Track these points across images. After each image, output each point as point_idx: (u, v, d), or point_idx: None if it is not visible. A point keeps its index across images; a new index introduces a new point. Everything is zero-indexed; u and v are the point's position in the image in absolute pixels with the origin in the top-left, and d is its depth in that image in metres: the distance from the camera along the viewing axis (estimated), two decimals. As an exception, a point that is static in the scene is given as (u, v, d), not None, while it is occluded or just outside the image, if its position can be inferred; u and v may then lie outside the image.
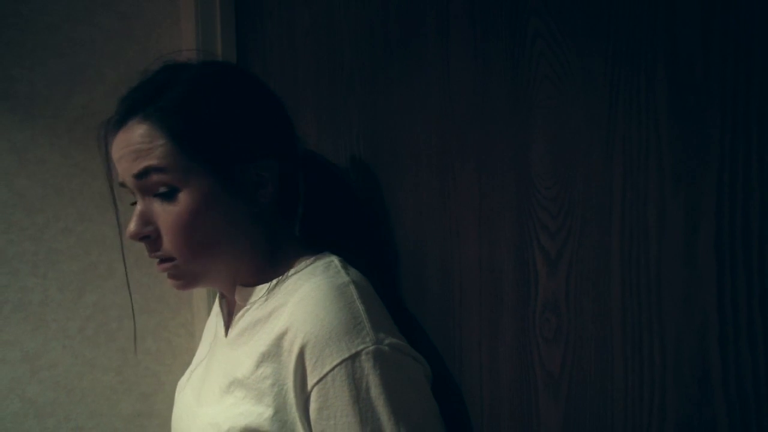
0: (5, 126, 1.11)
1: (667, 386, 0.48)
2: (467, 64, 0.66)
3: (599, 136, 0.52)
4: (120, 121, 0.70)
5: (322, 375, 0.63)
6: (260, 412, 0.66)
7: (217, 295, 0.88)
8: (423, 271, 0.75)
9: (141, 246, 0.73)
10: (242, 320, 0.76)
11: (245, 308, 0.76)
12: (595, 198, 0.53)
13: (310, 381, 0.64)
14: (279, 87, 1.08)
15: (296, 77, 1.03)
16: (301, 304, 0.67)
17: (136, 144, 0.69)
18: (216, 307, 0.89)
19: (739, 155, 0.42)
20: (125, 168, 0.70)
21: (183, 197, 0.69)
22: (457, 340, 0.70)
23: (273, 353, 0.67)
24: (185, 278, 0.73)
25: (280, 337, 0.67)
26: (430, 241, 0.74)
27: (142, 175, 0.69)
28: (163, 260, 0.72)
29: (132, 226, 0.70)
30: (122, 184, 0.73)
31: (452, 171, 0.69)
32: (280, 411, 0.66)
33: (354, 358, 0.63)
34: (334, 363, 0.63)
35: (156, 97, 0.69)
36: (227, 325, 0.82)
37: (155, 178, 0.68)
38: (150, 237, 0.71)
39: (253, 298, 0.75)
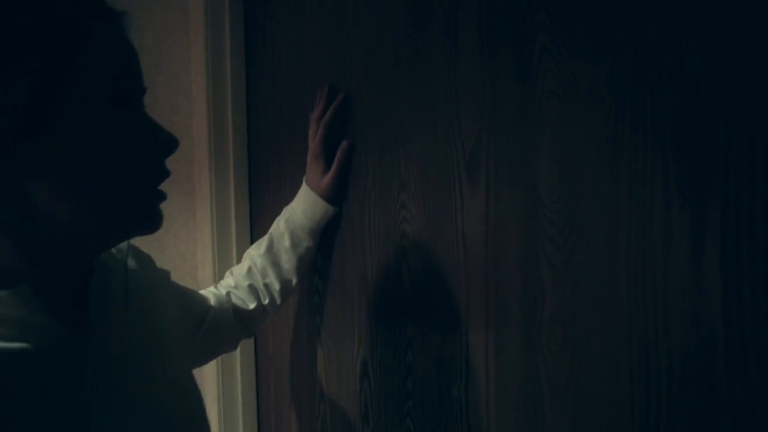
0: (17, 135, 1.12)
1: (674, 400, 0.48)
2: (475, 78, 0.66)
3: (605, 150, 0.52)
4: (121, 18, 0.60)
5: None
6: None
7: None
8: (430, 282, 0.76)
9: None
10: (116, 283, 0.62)
11: (102, 275, 0.61)
12: (602, 212, 0.53)
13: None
14: (288, 99, 1.09)
15: (305, 89, 1.04)
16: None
17: None
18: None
19: (745, 171, 0.42)
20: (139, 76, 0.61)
21: None
22: (464, 352, 0.70)
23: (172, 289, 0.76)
24: None
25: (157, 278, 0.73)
26: (437, 254, 0.74)
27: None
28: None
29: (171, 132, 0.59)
30: (130, 74, 0.58)
31: (460, 184, 0.69)
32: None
33: None
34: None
35: None
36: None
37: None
38: None
39: (110, 262, 0.64)
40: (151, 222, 0.57)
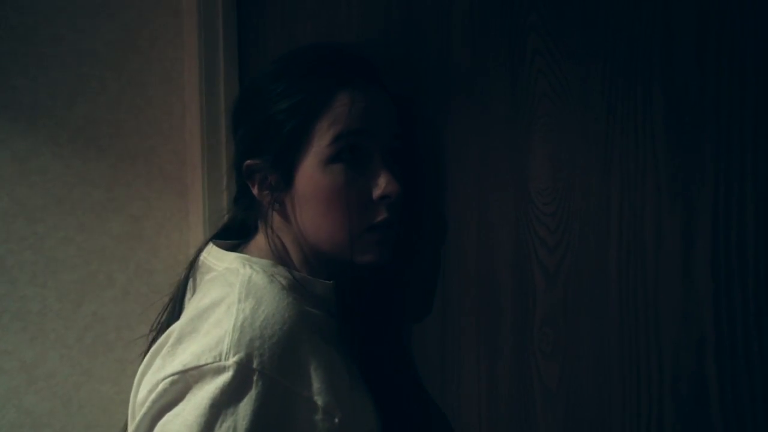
0: (7, 135, 1.12)
1: (664, 401, 0.48)
2: (467, 80, 0.66)
3: (597, 152, 0.52)
4: (372, 77, 0.69)
5: None
6: None
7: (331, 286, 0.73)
8: (423, 283, 0.75)
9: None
10: None
11: None
12: (593, 214, 0.53)
13: None
14: (280, 99, 1.09)
15: (297, 90, 1.03)
16: None
17: (392, 107, 0.70)
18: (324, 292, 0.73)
19: (734, 173, 0.42)
20: (385, 124, 0.68)
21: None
22: (456, 354, 0.70)
23: None
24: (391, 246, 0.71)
25: None
26: (429, 256, 0.74)
27: (398, 136, 0.70)
28: (386, 227, 0.69)
29: (395, 181, 0.66)
30: (355, 133, 0.66)
31: (451, 185, 0.69)
32: None
33: None
34: None
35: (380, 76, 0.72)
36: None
37: (398, 143, 0.71)
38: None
39: None
40: (362, 254, 0.68)
